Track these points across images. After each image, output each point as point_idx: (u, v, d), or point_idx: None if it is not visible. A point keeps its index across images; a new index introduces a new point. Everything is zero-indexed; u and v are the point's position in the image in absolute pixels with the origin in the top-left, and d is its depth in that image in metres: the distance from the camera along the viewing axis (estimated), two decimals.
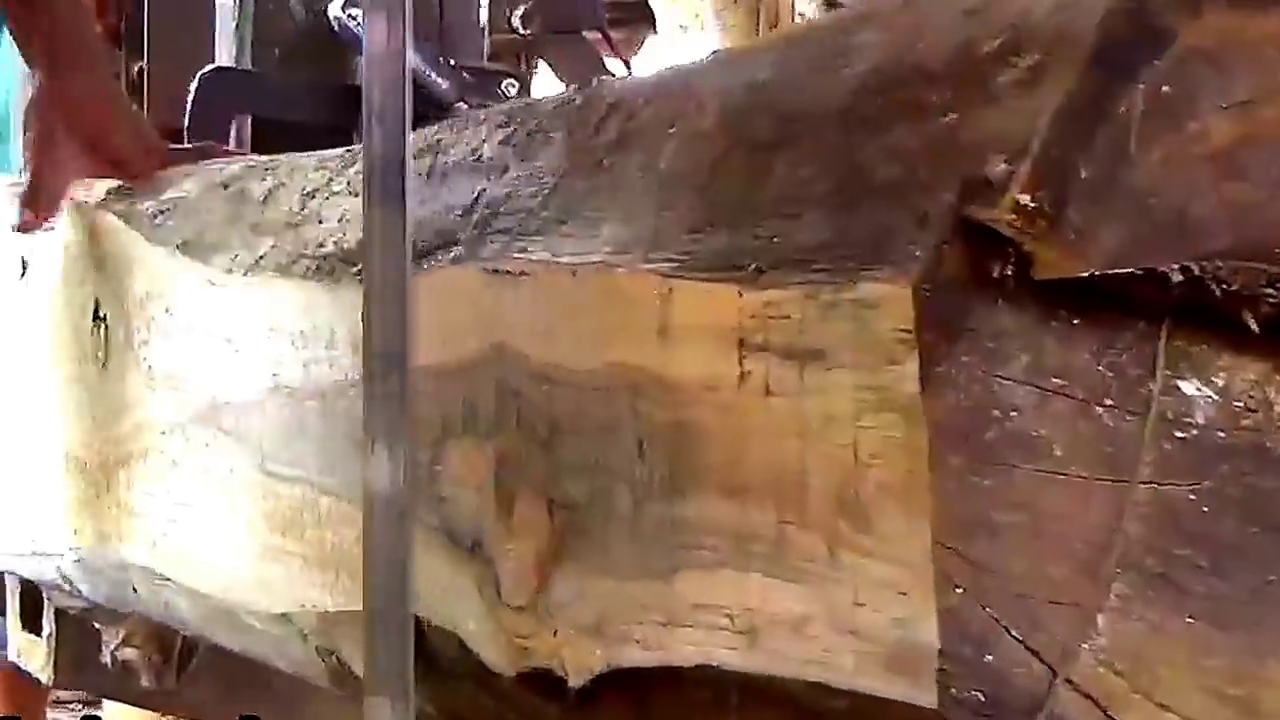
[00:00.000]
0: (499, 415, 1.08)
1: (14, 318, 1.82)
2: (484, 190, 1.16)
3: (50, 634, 2.16)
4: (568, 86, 2.49)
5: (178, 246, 1.49)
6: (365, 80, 1.14)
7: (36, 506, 1.79)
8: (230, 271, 1.40)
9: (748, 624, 0.90)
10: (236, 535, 1.38)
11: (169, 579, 1.49)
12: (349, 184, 1.33)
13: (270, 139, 2.19)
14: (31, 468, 1.80)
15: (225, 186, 1.51)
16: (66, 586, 1.80)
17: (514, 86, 2.23)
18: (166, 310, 1.49)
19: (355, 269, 1.24)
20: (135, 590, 1.59)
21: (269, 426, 1.34)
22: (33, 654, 2.19)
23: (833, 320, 0.85)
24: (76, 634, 2.13)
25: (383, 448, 1.06)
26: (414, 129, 2.12)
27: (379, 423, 1.05)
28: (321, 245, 1.29)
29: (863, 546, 0.83)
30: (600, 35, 2.35)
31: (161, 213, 1.57)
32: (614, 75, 2.40)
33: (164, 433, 1.49)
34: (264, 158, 1.54)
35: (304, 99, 2.17)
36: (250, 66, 2.29)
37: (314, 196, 1.36)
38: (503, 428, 1.08)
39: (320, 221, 1.32)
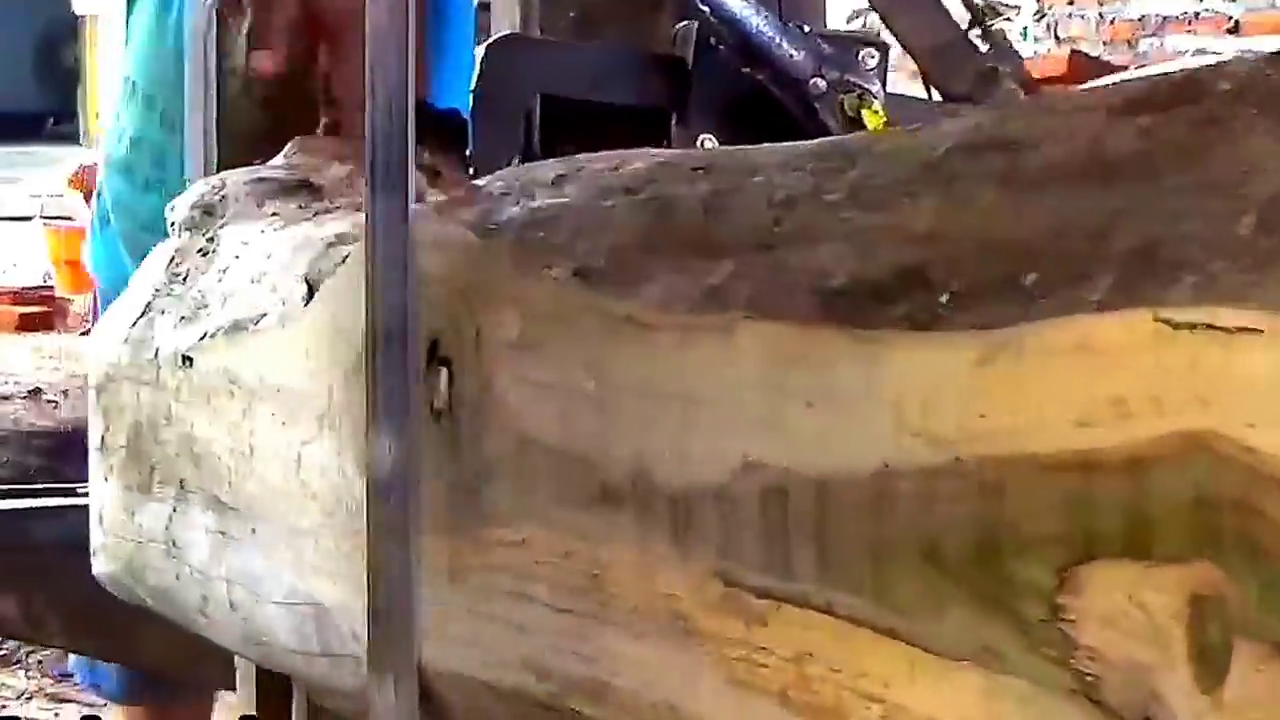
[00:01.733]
0: (1194, 535, 0.82)
1: (293, 357, 1.57)
2: (1123, 206, 0.89)
3: None
4: (915, 53, 2.25)
5: (575, 273, 1.22)
6: (368, 59, 1.20)
7: (324, 595, 1.54)
8: (667, 308, 1.13)
9: None
10: (689, 669, 1.12)
11: (579, 711, 1.22)
12: (850, 190, 1.07)
13: (560, 124, 1.93)
14: (314, 545, 1.55)
15: (631, 191, 1.24)
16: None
17: (873, 56, 1.96)
18: (556, 357, 1.23)
19: (899, 310, 0.97)
20: None
21: (737, 520, 1.08)
22: None
23: None
24: None
25: (386, 429, 1.16)
26: (767, 114, 1.87)
27: (381, 404, 1.16)
28: (828, 275, 1.03)
29: None
30: None
31: (533, 225, 1.30)
32: (971, 41, 2.14)
33: (549, 521, 1.23)
34: (681, 153, 1.27)
35: (619, 74, 1.90)
36: (538, 33, 2.03)
37: (793, 206, 1.09)
38: (1202, 553, 0.81)
39: (814, 241, 1.06)
